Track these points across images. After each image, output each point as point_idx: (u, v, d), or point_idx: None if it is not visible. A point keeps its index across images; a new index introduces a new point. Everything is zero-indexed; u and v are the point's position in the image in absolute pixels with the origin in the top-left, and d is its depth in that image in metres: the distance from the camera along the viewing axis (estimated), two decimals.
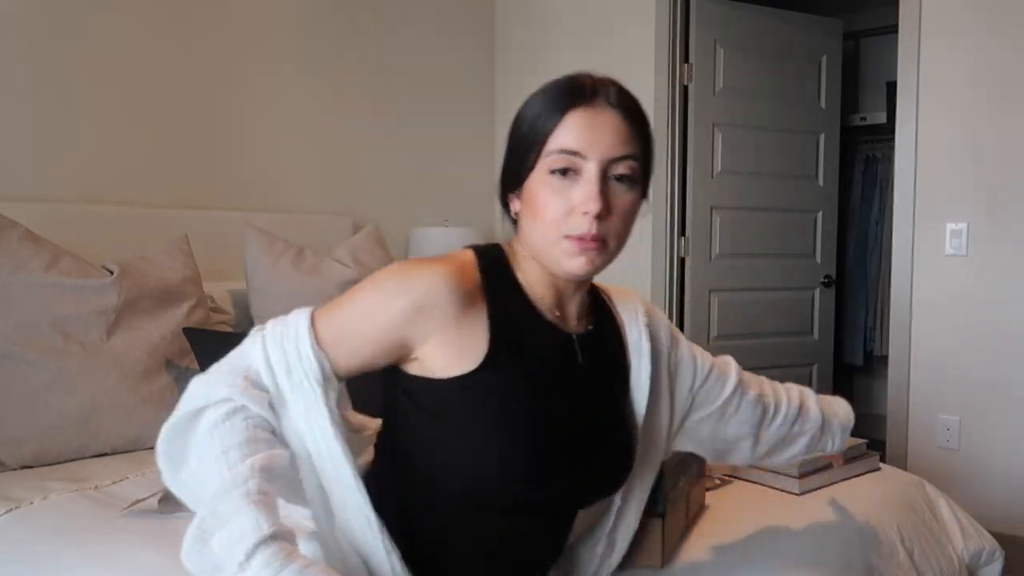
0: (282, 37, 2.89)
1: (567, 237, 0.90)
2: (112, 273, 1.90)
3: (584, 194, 0.88)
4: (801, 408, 1.29)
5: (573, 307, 1.01)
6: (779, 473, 1.63)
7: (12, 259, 1.78)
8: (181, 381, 1.92)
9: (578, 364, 0.99)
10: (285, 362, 0.88)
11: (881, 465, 1.81)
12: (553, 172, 0.89)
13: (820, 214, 3.68)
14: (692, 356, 1.16)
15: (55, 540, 1.33)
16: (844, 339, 4.52)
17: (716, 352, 1.26)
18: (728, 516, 1.47)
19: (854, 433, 1.54)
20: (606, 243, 0.91)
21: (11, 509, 1.45)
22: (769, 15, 3.46)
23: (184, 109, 2.60)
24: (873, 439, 2.21)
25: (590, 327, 1.03)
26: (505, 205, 0.99)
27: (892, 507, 1.62)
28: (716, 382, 1.17)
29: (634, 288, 1.19)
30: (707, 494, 1.54)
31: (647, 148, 0.95)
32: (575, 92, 0.93)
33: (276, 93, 2.86)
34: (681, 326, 3.38)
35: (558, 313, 0.99)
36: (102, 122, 2.39)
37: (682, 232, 3.37)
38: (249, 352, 0.90)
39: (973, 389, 2.72)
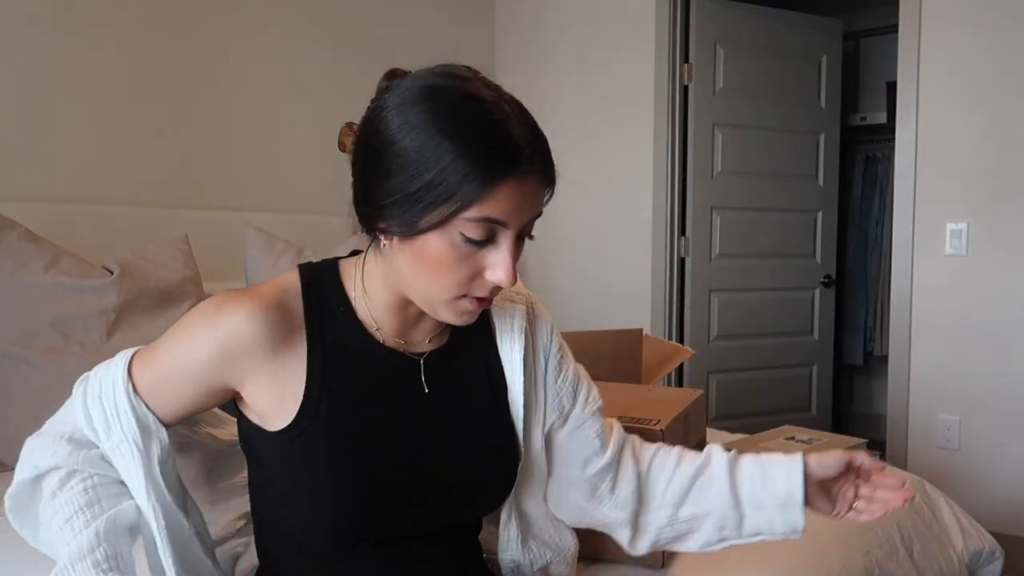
0: (283, 37, 2.89)
1: (464, 297, 0.81)
2: (112, 273, 1.90)
3: (499, 266, 0.79)
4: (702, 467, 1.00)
5: (424, 328, 0.91)
6: None
7: (12, 259, 1.78)
8: None
9: (422, 390, 0.90)
10: (105, 419, 0.84)
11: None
12: (467, 240, 0.77)
13: (820, 214, 3.68)
14: (576, 378, 1.01)
15: None
16: (844, 339, 4.52)
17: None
18: None
19: (854, 433, 1.53)
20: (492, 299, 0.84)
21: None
22: (769, 15, 3.46)
23: (184, 109, 2.60)
24: (873, 439, 2.22)
25: (444, 342, 0.93)
26: (368, 228, 0.84)
27: None
28: (586, 418, 1.00)
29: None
30: None
31: (552, 193, 0.86)
32: (508, 158, 0.76)
33: (277, 93, 2.86)
34: (681, 326, 3.38)
35: (402, 341, 0.90)
36: (102, 122, 2.39)
37: (682, 232, 3.37)
38: (72, 410, 0.87)
39: (973, 389, 2.72)
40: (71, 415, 0.86)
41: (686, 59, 3.31)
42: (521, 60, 3.70)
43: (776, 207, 3.55)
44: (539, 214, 0.83)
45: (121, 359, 0.86)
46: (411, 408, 0.89)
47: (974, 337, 2.71)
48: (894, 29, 2.92)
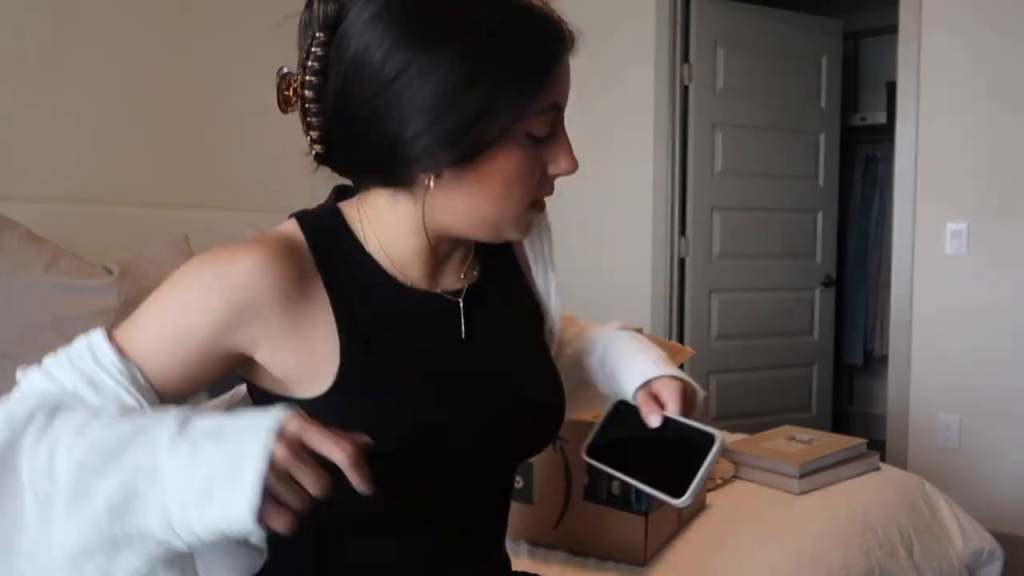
0: (283, 37, 2.88)
1: (533, 204, 0.76)
2: (112, 273, 1.90)
3: (562, 154, 0.73)
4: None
5: (453, 267, 0.82)
6: (779, 473, 1.63)
7: (12, 259, 1.78)
8: None
9: (459, 337, 0.80)
10: (85, 377, 0.67)
11: (881, 465, 1.82)
12: (535, 139, 0.71)
13: (820, 214, 3.68)
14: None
15: None
16: (844, 339, 4.52)
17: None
18: (728, 516, 1.47)
19: (854, 433, 1.52)
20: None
21: None
22: (769, 15, 3.46)
23: (184, 109, 2.60)
24: (873, 439, 2.21)
25: (476, 279, 0.84)
26: (396, 179, 0.74)
27: (892, 507, 1.62)
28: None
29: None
30: (707, 494, 1.55)
31: None
32: (559, 37, 0.71)
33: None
34: (681, 326, 3.38)
35: (431, 281, 0.80)
36: (102, 122, 2.39)
37: (682, 232, 3.37)
38: (28, 388, 0.71)
39: (973, 389, 2.72)
40: (24, 399, 0.66)
41: (686, 59, 3.31)
42: None
43: (776, 207, 3.55)
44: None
45: (89, 333, 0.70)
46: (453, 355, 0.80)
47: (974, 337, 2.71)
48: (894, 29, 2.92)
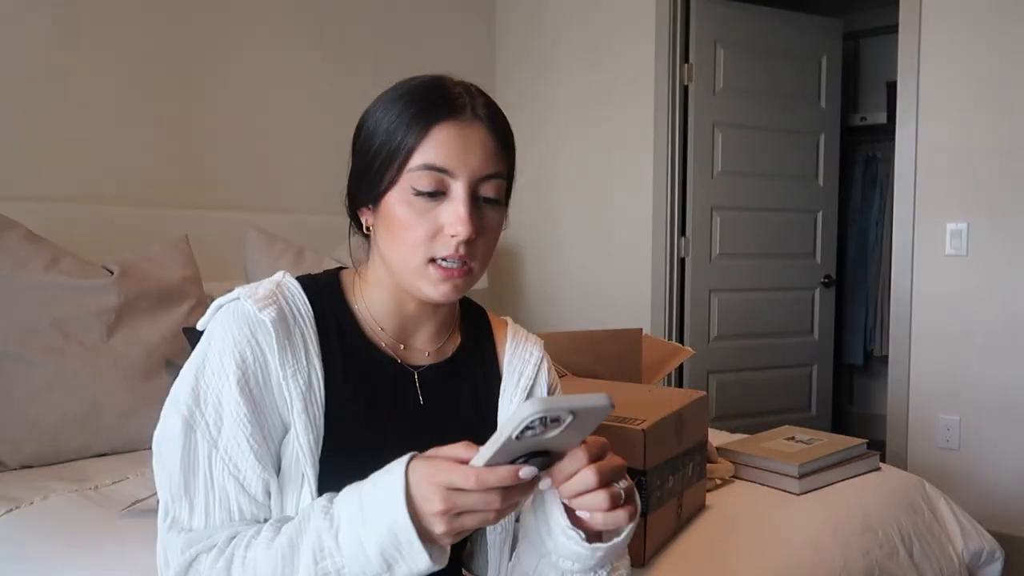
0: (283, 37, 2.89)
1: (431, 262, 0.82)
2: (112, 273, 1.90)
3: (453, 216, 0.81)
4: None
5: (423, 335, 0.93)
6: (779, 473, 1.63)
7: (12, 259, 1.78)
8: None
9: (418, 402, 0.91)
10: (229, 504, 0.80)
11: (881, 465, 1.81)
12: (418, 193, 0.81)
13: (820, 214, 3.68)
14: None
15: (55, 540, 1.33)
16: (844, 339, 4.52)
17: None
18: (728, 516, 1.47)
19: (854, 433, 1.52)
20: (470, 267, 0.84)
21: (11, 509, 1.45)
22: (769, 15, 3.46)
23: (184, 109, 2.60)
24: (873, 439, 2.21)
25: (444, 357, 0.95)
26: (354, 218, 0.91)
27: (892, 507, 1.62)
28: None
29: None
30: (707, 494, 1.54)
31: (513, 163, 0.88)
32: (441, 103, 0.82)
33: (277, 93, 2.86)
34: (681, 326, 3.39)
35: (402, 346, 0.92)
36: (102, 122, 2.39)
37: (682, 232, 3.37)
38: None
39: (973, 389, 2.72)
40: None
41: (686, 59, 3.31)
42: (521, 60, 3.70)
43: (776, 207, 3.55)
44: (498, 175, 0.84)
45: (168, 550, 0.81)
46: (406, 419, 0.90)
47: (974, 337, 2.71)
48: (894, 29, 2.92)
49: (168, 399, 0.83)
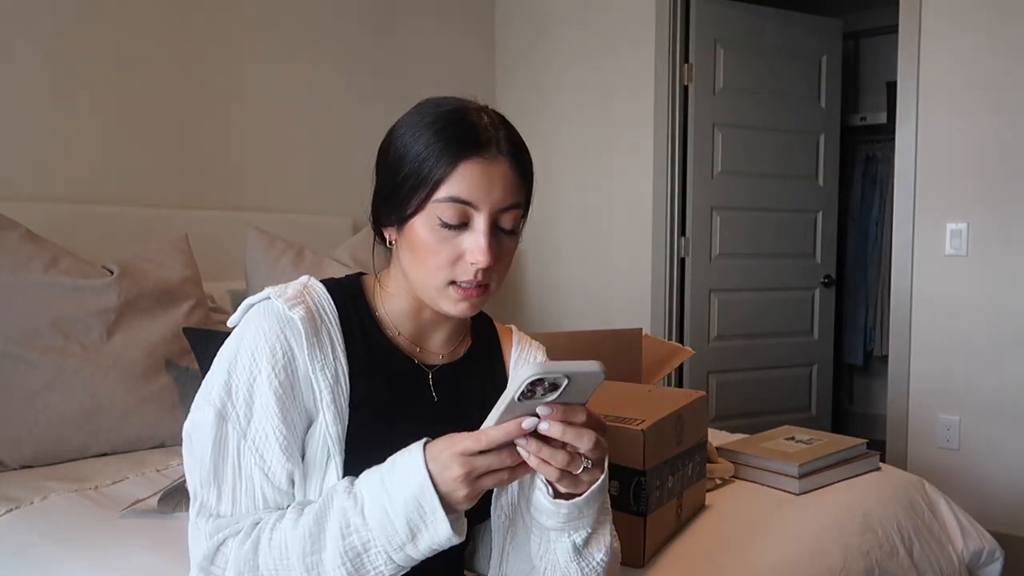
0: (282, 37, 2.89)
1: (452, 284, 0.88)
2: (112, 273, 1.90)
3: (474, 246, 0.86)
4: None
5: (437, 339, 0.99)
6: (779, 473, 1.63)
7: (12, 259, 1.78)
8: (181, 381, 1.92)
9: (431, 398, 0.97)
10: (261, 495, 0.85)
11: (881, 465, 1.81)
12: (444, 225, 0.86)
13: (820, 214, 3.68)
14: None
15: (55, 540, 1.33)
16: (844, 339, 4.52)
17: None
18: (728, 516, 1.47)
19: (854, 433, 1.52)
20: (489, 288, 0.91)
21: (11, 509, 1.45)
22: (769, 15, 3.46)
23: (184, 109, 2.60)
24: (873, 439, 2.21)
25: (456, 358, 1.01)
26: (378, 231, 0.97)
27: (892, 507, 1.62)
28: None
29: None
30: (707, 494, 1.54)
31: (531, 191, 0.93)
32: (470, 139, 0.86)
33: (276, 93, 2.86)
34: (681, 326, 3.39)
35: (417, 348, 0.98)
36: (102, 122, 2.39)
37: (682, 232, 3.37)
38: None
39: (973, 389, 2.72)
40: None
41: (686, 59, 3.31)
42: (521, 61, 3.70)
43: (776, 207, 3.55)
44: (517, 206, 0.89)
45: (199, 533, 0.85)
46: (422, 414, 0.95)
47: (974, 337, 2.71)
48: (894, 29, 2.92)
49: (200, 392, 0.87)
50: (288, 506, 0.86)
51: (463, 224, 0.87)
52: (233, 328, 0.91)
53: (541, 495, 0.84)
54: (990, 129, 2.66)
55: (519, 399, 0.72)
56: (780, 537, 1.39)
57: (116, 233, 2.29)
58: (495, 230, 0.88)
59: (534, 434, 0.75)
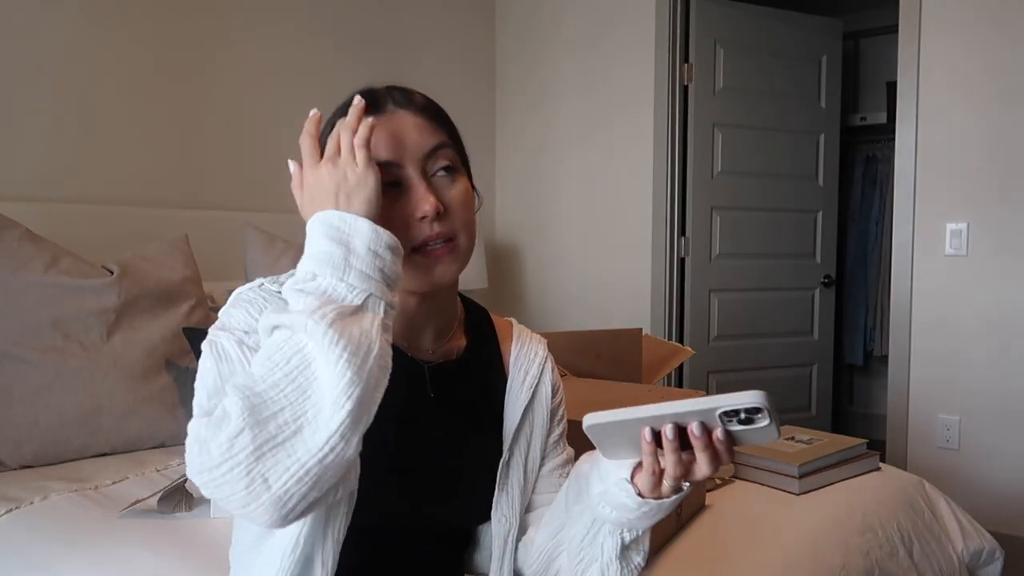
0: (282, 37, 2.89)
1: (415, 251, 0.84)
2: (112, 273, 1.90)
3: (414, 199, 0.84)
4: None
5: (427, 335, 0.95)
6: (779, 473, 1.63)
7: (12, 259, 1.78)
8: (181, 381, 1.92)
9: (428, 395, 0.93)
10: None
11: (881, 465, 1.81)
12: (384, 182, 0.83)
13: (820, 214, 3.68)
14: (561, 421, 1.05)
15: (55, 540, 1.33)
16: (844, 339, 4.52)
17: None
18: (728, 516, 1.47)
19: (854, 433, 1.52)
20: (456, 241, 0.86)
21: (11, 509, 1.45)
22: (769, 15, 3.47)
23: (184, 109, 2.60)
24: (873, 439, 2.21)
25: (450, 357, 0.96)
26: None
27: (892, 507, 1.62)
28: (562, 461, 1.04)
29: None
30: (707, 494, 1.54)
31: (455, 135, 0.91)
32: (372, 102, 0.85)
33: (277, 93, 2.86)
34: (681, 326, 3.39)
35: (404, 343, 0.93)
36: (102, 122, 2.39)
37: (682, 232, 3.37)
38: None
39: (973, 389, 2.72)
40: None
41: (686, 59, 3.31)
42: (521, 60, 3.70)
43: (776, 207, 3.55)
44: (441, 145, 0.87)
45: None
46: (418, 412, 0.92)
47: (974, 337, 2.71)
48: (894, 29, 2.92)
49: (199, 363, 0.82)
50: None
51: (396, 183, 0.84)
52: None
53: (623, 493, 0.80)
54: (990, 129, 2.66)
55: (721, 416, 0.69)
56: (780, 537, 1.39)
57: (116, 233, 2.29)
58: (432, 178, 0.86)
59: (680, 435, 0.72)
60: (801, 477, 1.61)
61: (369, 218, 0.76)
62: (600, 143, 3.49)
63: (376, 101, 0.86)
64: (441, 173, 0.87)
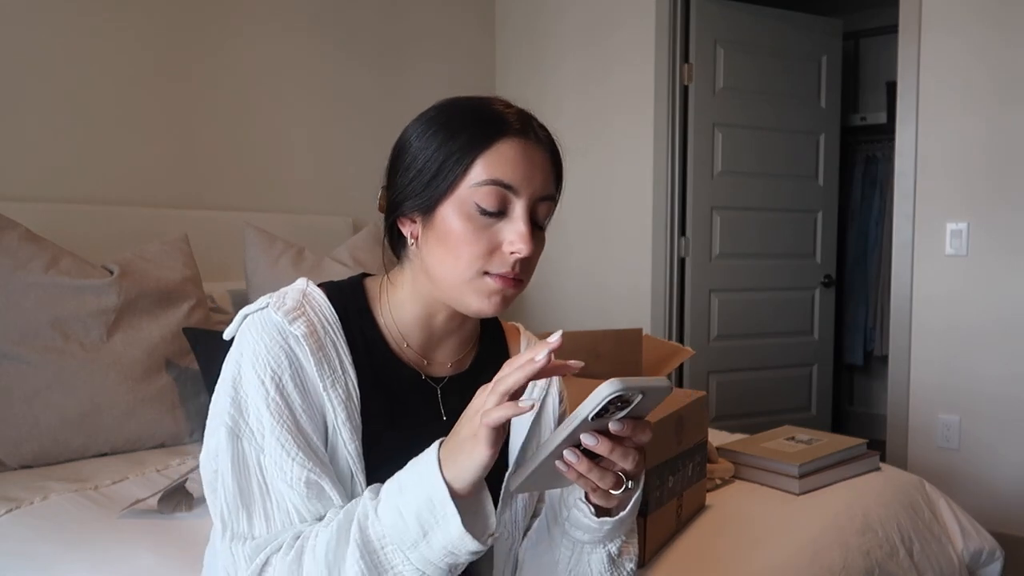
0: (282, 37, 2.89)
1: (487, 274, 0.82)
2: (112, 273, 1.90)
3: (515, 234, 0.81)
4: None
5: (447, 349, 0.94)
6: (779, 473, 1.63)
7: (12, 259, 1.78)
8: (181, 381, 1.92)
9: (440, 415, 0.92)
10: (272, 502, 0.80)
11: (881, 465, 1.81)
12: (483, 212, 0.81)
13: (820, 214, 3.68)
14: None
15: (55, 540, 1.33)
16: (844, 339, 4.52)
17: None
18: (728, 516, 1.47)
19: (854, 433, 1.52)
20: (522, 283, 0.85)
21: (11, 509, 1.45)
22: (769, 15, 3.46)
23: (184, 109, 2.60)
24: (873, 439, 2.21)
25: (463, 369, 0.95)
26: (393, 228, 0.90)
27: (892, 507, 1.62)
28: None
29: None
30: (707, 494, 1.54)
31: (560, 189, 0.91)
32: (502, 120, 0.82)
33: (276, 93, 2.86)
34: (681, 326, 3.39)
35: (425, 360, 0.92)
36: (102, 122, 2.39)
37: (682, 232, 3.37)
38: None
39: (973, 389, 2.72)
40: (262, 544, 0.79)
41: (686, 59, 3.31)
42: (521, 60, 3.70)
43: (776, 207, 3.55)
44: (552, 198, 0.87)
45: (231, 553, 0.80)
46: (430, 430, 0.89)
47: (974, 337, 2.71)
48: (894, 29, 2.92)
49: (209, 418, 0.83)
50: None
51: (501, 212, 0.81)
52: (231, 341, 0.86)
53: (581, 515, 0.81)
54: (990, 129, 2.66)
55: (592, 418, 0.67)
56: (780, 537, 1.39)
57: (116, 233, 2.29)
58: (531, 222, 0.83)
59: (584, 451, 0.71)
60: (801, 477, 1.61)
61: (469, 518, 0.71)
62: (600, 143, 3.49)
63: (518, 122, 0.83)
64: (537, 223, 0.86)
